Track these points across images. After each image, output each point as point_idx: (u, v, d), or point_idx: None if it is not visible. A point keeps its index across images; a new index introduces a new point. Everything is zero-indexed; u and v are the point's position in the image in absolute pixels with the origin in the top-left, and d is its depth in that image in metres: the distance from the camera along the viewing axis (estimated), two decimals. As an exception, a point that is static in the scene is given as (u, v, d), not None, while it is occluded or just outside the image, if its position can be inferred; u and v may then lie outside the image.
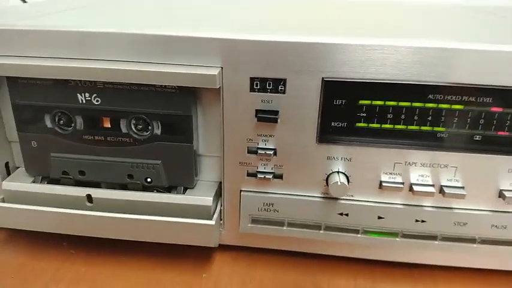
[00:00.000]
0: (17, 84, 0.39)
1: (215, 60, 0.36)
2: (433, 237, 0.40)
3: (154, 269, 0.42)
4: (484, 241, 0.40)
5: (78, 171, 0.42)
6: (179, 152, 0.40)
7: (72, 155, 0.42)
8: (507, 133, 0.36)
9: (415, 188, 0.38)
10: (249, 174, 0.40)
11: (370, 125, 0.37)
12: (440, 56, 0.34)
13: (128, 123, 0.40)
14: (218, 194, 0.43)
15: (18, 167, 0.45)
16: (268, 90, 0.36)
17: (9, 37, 0.38)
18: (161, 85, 0.38)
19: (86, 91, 0.39)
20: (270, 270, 0.43)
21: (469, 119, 0.36)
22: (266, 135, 0.38)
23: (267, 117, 0.37)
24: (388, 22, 0.48)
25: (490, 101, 0.35)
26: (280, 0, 0.65)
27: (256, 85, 0.36)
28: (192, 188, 0.43)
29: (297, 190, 0.40)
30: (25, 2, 0.79)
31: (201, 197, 0.41)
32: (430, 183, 0.38)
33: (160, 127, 0.40)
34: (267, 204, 0.41)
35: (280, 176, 0.40)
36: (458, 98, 0.35)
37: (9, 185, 0.43)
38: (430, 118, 0.36)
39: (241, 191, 0.41)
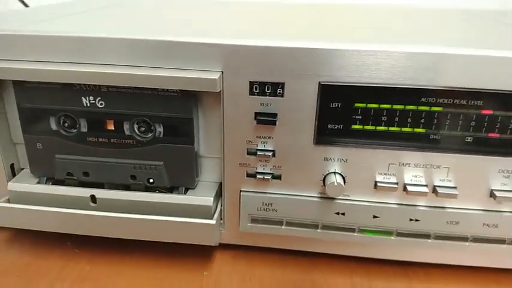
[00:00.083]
0: (23, 88, 0.40)
1: (216, 65, 0.36)
2: (426, 236, 0.40)
3: (156, 267, 0.42)
4: (476, 239, 0.40)
5: (82, 172, 0.42)
6: (181, 154, 0.41)
7: (77, 157, 0.42)
8: (497, 135, 0.36)
9: (409, 188, 0.38)
10: (248, 175, 0.40)
11: (365, 127, 0.37)
12: (431, 61, 0.34)
13: (131, 125, 0.40)
14: (218, 194, 0.43)
15: (23, 169, 0.45)
16: (267, 93, 0.37)
17: (14, 42, 0.38)
18: (163, 89, 0.38)
19: (90, 94, 0.39)
20: (269, 268, 0.43)
21: (460, 122, 0.36)
22: (265, 137, 0.39)
23: (266, 119, 0.37)
24: (383, 27, 0.48)
25: (481, 104, 0.35)
26: (278, 7, 0.66)
27: (256, 89, 0.37)
28: (193, 188, 0.43)
29: (295, 190, 0.41)
30: (27, 6, 0.79)
31: (201, 197, 0.41)
32: (424, 183, 0.39)
33: (162, 129, 0.40)
34: (266, 204, 0.41)
35: (278, 177, 0.40)
36: (450, 101, 0.36)
37: (14, 186, 0.43)
38: (423, 120, 0.36)
39: (241, 191, 0.41)
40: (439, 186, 0.38)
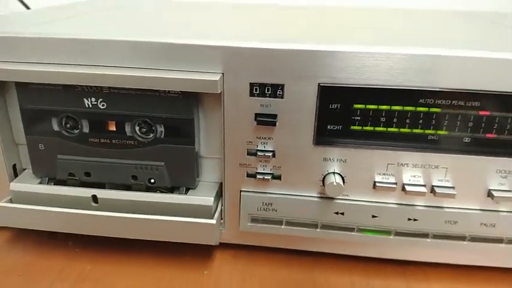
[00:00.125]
0: (25, 89, 0.40)
1: (216, 67, 0.36)
2: (424, 235, 0.41)
3: (157, 267, 0.43)
4: (474, 239, 0.40)
5: (84, 172, 0.42)
6: (181, 154, 0.41)
7: (78, 157, 0.42)
8: (495, 135, 0.37)
9: (408, 188, 0.39)
10: (248, 175, 0.41)
11: (364, 128, 0.38)
12: (430, 63, 0.35)
13: (132, 126, 0.40)
14: (219, 194, 0.43)
15: (25, 169, 0.46)
16: (267, 95, 0.37)
17: (18, 44, 0.38)
18: (165, 90, 0.38)
19: (92, 96, 0.39)
20: (268, 267, 0.43)
21: (458, 122, 0.36)
22: (265, 138, 0.39)
23: (266, 120, 0.37)
24: (382, 29, 0.48)
25: (478, 105, 0.36)
26: (278, 8, 0.66)
27: (256, 90, 0.37)
28: (194, 188, 0.43)
29: (294, 190, 0.41)
30: (28, 8, 0.79)
31: (202, 197, 0.42)
32: (422, 183, 0.39)
33: (163, 130, 0.40)
34: (265, 203, 0.41)
35: (278, 177, 0.40)
36: (448, 102, 0.36)
37: (16, 186, 0.43)
38: (421, 121, 0.37)
39: (241, 191, 0.42)
40: (437, 186, 0.39)
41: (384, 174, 0.39)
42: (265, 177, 0.40)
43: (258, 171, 0.40)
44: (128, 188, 0.43)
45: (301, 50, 0.35)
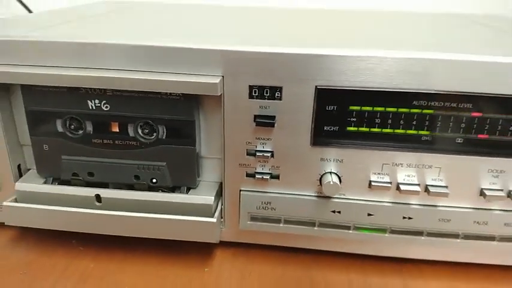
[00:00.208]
0: (31, 91, 0.40)
1: (217, 70, 0.37)
2: (419, 233, 0.41)
3: (159, 264, 0.43)
4: (467, 236, 0.41)
5: (88, 172, 0.43)
6: (183, 155, 0.41)
7: (82, 158, 0.42)
8: (487, 136, 0.37)
9: (402, 187, 0.39)
10: (248, 175, 0.41)
11: (360, 129, 0.38)
12: (423, 66, 0.35)
13: (135, 127, 0.41)
14: (219, 194, 0.43)
15: (30, 169, 0.46)
16: (266, 97, 0.37)
17: (23, 47, 0.38)
18: (166, 92, 0.38)
19: (95, 98, 0.40)
20: (267, 265, 0.43)
21: (451, 123, 0.37)
22: (264, 139, 0.39)
23: (265, 122, 0.38)
24: (377, 33, 0.49)
25: (471, 107, 0.36)
26: (276, 12, 0.66)
27: (255, 92, 0.37)
28: (195, 188, 0.43)
29: (292, 189, 0.41)
30: (30, 12, 0.79)
31: (203, 196, 0.42)
32: (416, 182, 0.39)
33: (165, 131, 0.41)
34: (264, 203, 0.42)
35: (277, 177, 0.41)
36: (441, 104, 0.36)
37: (21, 186, 0.43)
38: (415, 122, 0.37)
39: (240, 190, 0.42)
40: (431, 186, 0.39)
41: (379, 173, 0.40)
42: (264, 176, 0.40)
43: (257, 171, 0.41)
44: (131, 187, 0.43)
45: (299, 54, 0.36)
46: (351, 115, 0.38)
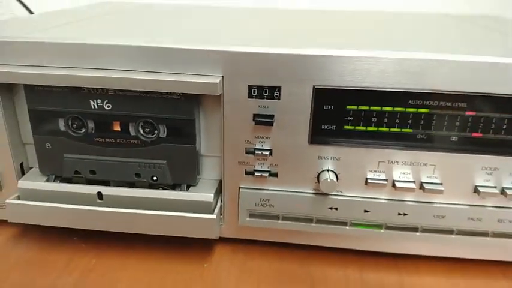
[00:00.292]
0: (34, 91, 0.40)
1: (217, 70, 0.37)
2: (414, 229, 0.41)
3: (159, 260, 0.43)
4: (461, 232, 0.41)
5: (89, 170, 0.43)
6: (183, 153, 0.42)
7: (84, 156, 0.42)
8: (481, 134, 0.37)
9: (398, 184, 0.39)
10: (247, 173, 0.41)
11: (357, 127, 0.38)
12: (418, 66, 0.35)
13: (136, 126, 0.41)
14: (218, 191, 0.44)
15: (32, 167, 0.46)
16: (265, 96, 0.38)
17: (26, 48, 0.39)
18: (167, 92, 0.39)
19: (98, 98, 0.40)
20: (265, 260, 0.44)
21: (446, 122, 0.37)
22: (263, 137, 0.39)
23: (264, 120, 0.38)
24: (374, 34, 0.49)
25: (465, 106, 0.36)
26: (275, 14, 0.66)
27: (254, 92, 0.38)
28: (195, 185, 0.43)
29: (290, 187, 0.42)
30: (32, 13, 0.79)
31: (203, 193, 0.42)
32: (411, 180, 0.40)
33: (166, 130, 0.41)
34: (263, 200, 0.42)
35: (275, 174, 0.41)
36: (436, 103, 0.37)
37: (24, 183, 0.43)
38: (410, 121, 0.37)
39: (239, 188, 0.42)
40: (425, 183, 0.39)
41: (375, 171, 0.40)
42: (263, 174, 0.41)
43: (256, 168, 0.41)
44: (132, 185, 0.43)
45: (297, 55, 0.36)
46: (348, 114, 0.38)
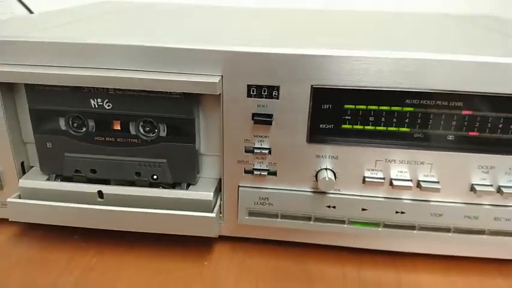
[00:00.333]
0: (34, 91, 0.41)
1: (216, 70, 0.37)
2: (411, 227, 0.42)
3: (160, 258, 0.43)
4: (458, 230, 0.41)
5: (90, 169, 0.43)
6: (183, 152, 0.42)
7: (85, 155, 0.43)
8: (477, 133, 0.38)
9: (395, 182, 0.40)
10: (246, 171, 0.42)
11: (354, 126, 0.39)
12: (415, 66, 0.36)
13: (136, 125, 0.41)
14: (218, 190, 0.44)
15: (33, 167, 0.46)
16: (264, 96, 0.38)
17: (27, 48, 0.39)
18: (167, 91, 0.39)
19: (98, 97, 0.40)
20: (264, 258, 0.44)
21: (442, 121, 0.38)
22: (262, 136, 0.40)
23: (263, 120, 0.38)
24: (372, 33, 0.50)
25: (461, 105, 0.37)
26: (275, 15, 0.67)
27: (253, 91, 0.38)
28: (195, 184, 0.44)
29: (289, 185, 0.42)
30: (31, 12, 0.79)
31: (202, 192, 0.42)
32: (408, 178, 0.40)
33: (165, 129, 0.41)
34: (262, 198, 0.42)
35: (274, 173, 0.41)
36: (433, 102, 0.37)
37: (25, 182, 0.44)
38: (407, 120, 0.38)
39: (239, 186, 0.42)
40: (422, 181, 0.40)
41: (372, 170, 0.40)
42: (262, 173, 0.41)
43: (255, 167, 0.41)
44: (132, 183, 0.44)
45: (296, 55, 0.36)
46: (346, 113, 0.38)
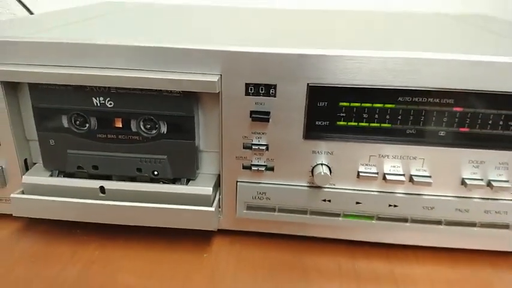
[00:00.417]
0: (38, 89, 0.41)
1: (215, 69, 0.38)
2: (404, 220, 0.42)
3: (161, 251, 0.44)
4: (449, 223, 0.42)
5: (92, 165, 0.44)
6: (183, 148, 0.42)
7: (87, 152, 0.43)
8: (467, 129, 0.39)
9: (388, 177, 0.40)
10: (244, 167, 0.42)
11: (349, 123, 0.39)
12: (406, 64, 0.36)
13: (137, 123, 0.42)
14: (217, 185, 0.44)
15: (36, 163, 0.46)
16: (261, 94, 0.39)
17: (30, 48, 0.40)
18: (167, 90, 0.40)
19: (100, 95, 0.41)
20: (262, 251, 0.44)
21: (434, 118, 0.38)
22: (259, 133, 0.40)
23: (260, 117, 0.39)
24: (366, 33, 0.50)
25: (452, 102, 0.38)
26: (274, 15, 0.67)
27: (251, 90, 0.38)
28: (194, 179, 0.44)
29: (286, 180, 0.42)
30: (31, 13, 0.79)
31: (202, 187, 0.43)
32: (401, 173, 0.41)
33: (166, 126, 0.42)
34: (260, 193, 0.43)
35: (271, 169, 0.42)
36: (425, 99, 0.38)
37: (28, 178, 0.44)
38: (400, 117, 0.38)
39: (237, 181, 0.43)
40: (415, 176, 0.40)
41: (366, 165, 0.41)
42: (260, 168, 0.41)
43: (252, 163, 0.42)
44: (133, 179, 0.44)
45: (292, 54, 0.37)
46: (341, 111, 0.39)
